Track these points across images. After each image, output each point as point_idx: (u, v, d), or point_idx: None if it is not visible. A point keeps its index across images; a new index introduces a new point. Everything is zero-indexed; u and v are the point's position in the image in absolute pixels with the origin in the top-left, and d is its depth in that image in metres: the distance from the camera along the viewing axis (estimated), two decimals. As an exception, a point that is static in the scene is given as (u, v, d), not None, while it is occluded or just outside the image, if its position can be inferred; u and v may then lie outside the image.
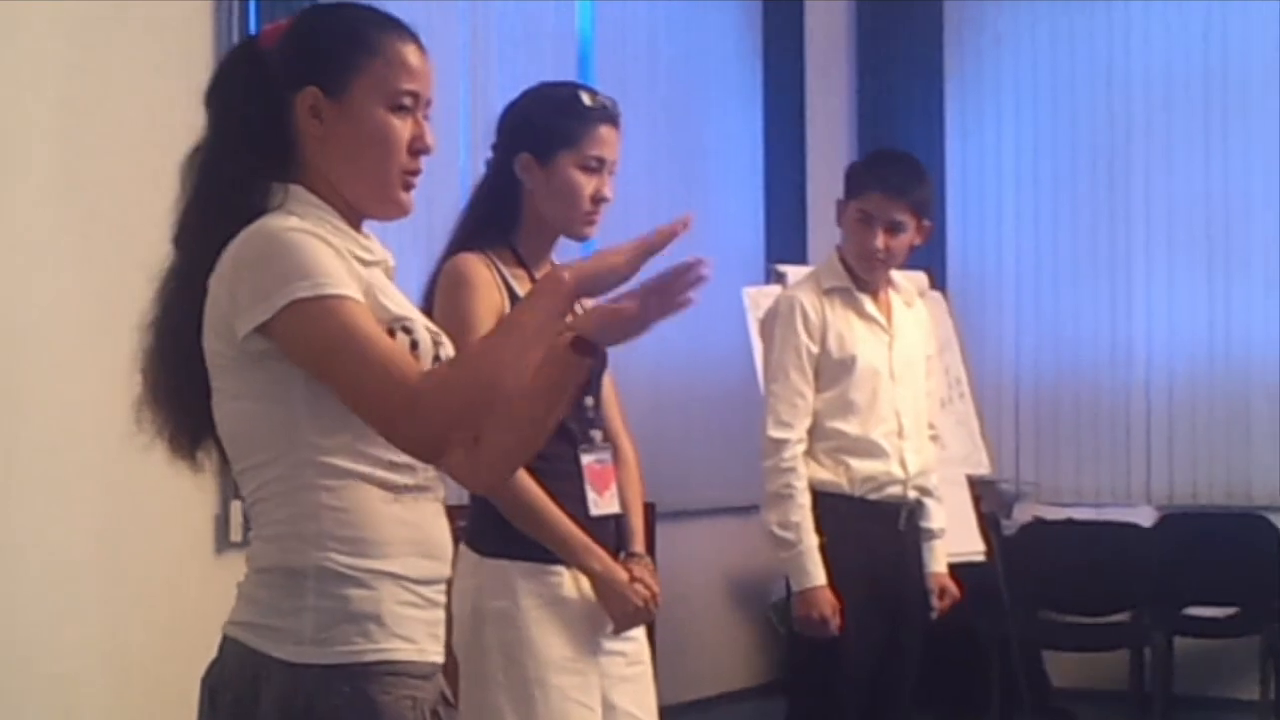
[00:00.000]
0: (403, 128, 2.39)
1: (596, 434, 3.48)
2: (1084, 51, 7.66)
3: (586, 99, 3.45)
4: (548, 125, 3.44)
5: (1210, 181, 7.40)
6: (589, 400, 3.46)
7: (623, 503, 3.52)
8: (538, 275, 3.42)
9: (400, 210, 2.43)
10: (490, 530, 3.36)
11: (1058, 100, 7.73)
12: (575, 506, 3.38)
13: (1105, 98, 7.62)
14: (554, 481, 3.36)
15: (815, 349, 4.58)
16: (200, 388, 2.35)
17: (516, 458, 2.67)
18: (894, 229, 4.58)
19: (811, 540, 4.51)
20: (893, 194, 4.58)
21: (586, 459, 3.44)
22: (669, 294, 2.39)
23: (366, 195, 2.41)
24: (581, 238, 3.49)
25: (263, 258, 2.26)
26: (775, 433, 4.57)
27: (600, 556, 3.38)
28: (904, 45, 7.87)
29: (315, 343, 2.23)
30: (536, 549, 3.34)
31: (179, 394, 2.39)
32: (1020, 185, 7.78)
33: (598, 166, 3.44)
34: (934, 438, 4.86)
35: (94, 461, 4.41)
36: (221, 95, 2.42)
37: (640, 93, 6.68)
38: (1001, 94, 7.84)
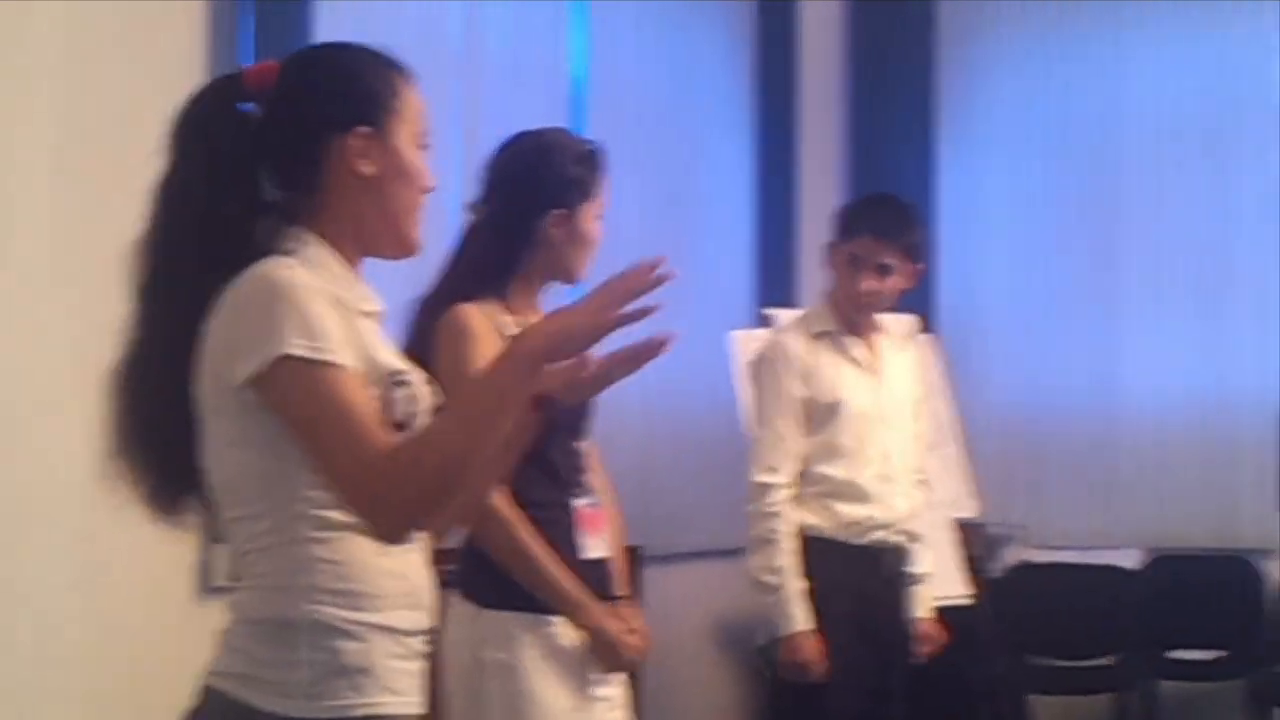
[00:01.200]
0: (424, 167, 2.44)
1: (587, 479, 3.50)
2: (1076, 95, 7.69)
3: (597, 148, 3.52)
4: (575, 178, 3.48)
5: (1201, 225, 7.43)
6: (580, 445, 3.49)
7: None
8: (531, 322, 3.45)
9: (415, 250, 2.46)
10: (487, 580, 3.38)
11: (1050, 144, 7.75)
12: (566, 552, 3.39)
13: (1098, 141, 7.64)
14: (546, 529, 3.38)
15: (802, 393, 4.60)
16: (185, 438, 2.34)
17: (455, 512, 2.66)
18: (883, 272, 4.61)
19: (796, 585, 4.52)
20: (883, 237, 4.60)
21: (579, 503, 3.46)
22: (635, 361, 2.38)
23: (389, 236, 2.43)
24: (581, 281, 3.54)
25: (265, 306, 2.25)
26: (760, 477, 4.59)
27: (591, 612, 3.39)
28: (896, 89, 7.89)
29: (299, 406, 2.23)
30: (535, 600, 3.36)
31: (159, 447, 2.37)
32: (1012, 229, 7.80)
33: (602, 214, 3.51)
34: (922, 482, 4.87)
35: (70, 505, 4.38)
36: (203, 129, 2.39)
37: (631, 135, 6.70)
38: (993, 138, 7.86)
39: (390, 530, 2.25)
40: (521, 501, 3.36)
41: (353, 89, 2.41)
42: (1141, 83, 7.57)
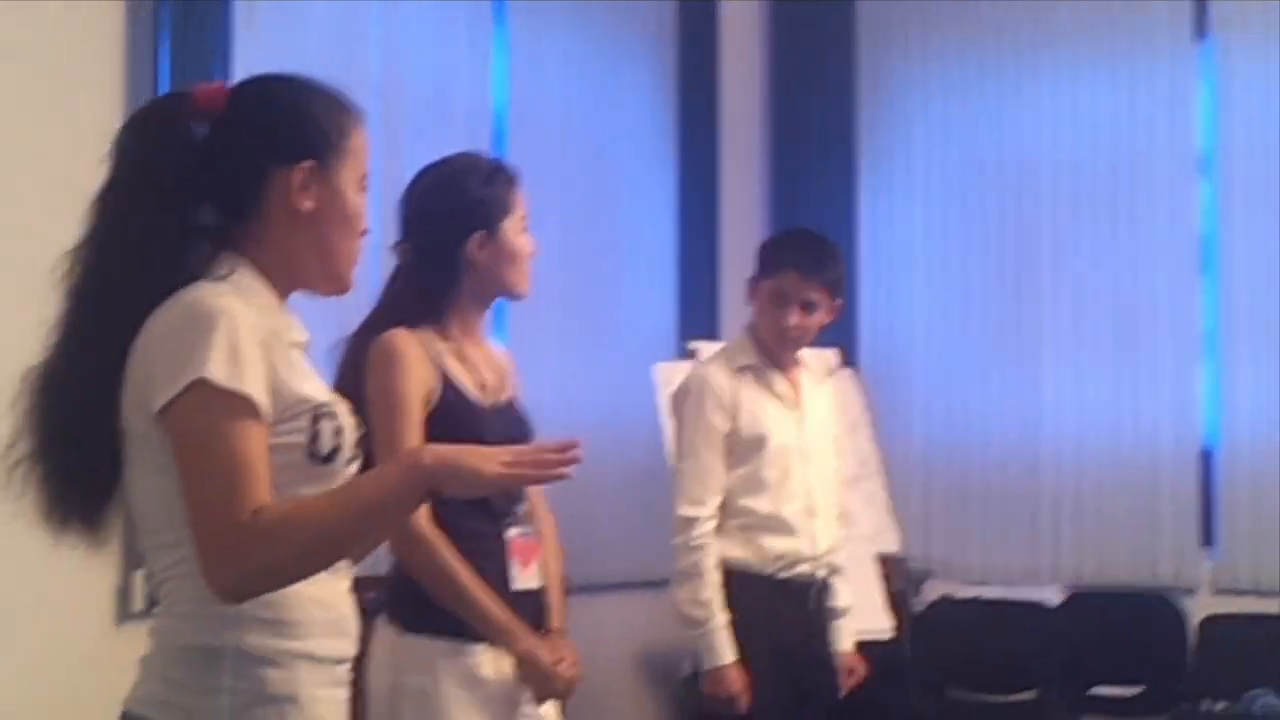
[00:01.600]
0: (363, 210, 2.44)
1: (520, 508, 3.47)
2: (993, 135, 7.75)
3: (509, 170, 3.54)
4: (486, 199, 3.48)
5: (1119, 263, 7.48)
6: None
7: (543, 578, 3.52)
8: (465, 349, 3.44)
9: (348, 289, 2.46)
10: (410, 605, 3.35)
11: (967, 182, 7.80)
12: (497, 583, 3.37)
13: (1014, 181, 7.70)
14: (478, 560, 3.35)
15: (726, 427, 4.60)
16: (104, 457, 2.31)
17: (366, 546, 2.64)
18: (807, 308, 4.62)
19: (721, 618, 4.51)
20: (807, 273, 4.61)
21: (511, 533, 3.42)
22: (542, 469, 2.35)
23: (323, 272, 2.42)
24: (523, 295, 3.54)
25: (191, 333, 2.22)
26: (685, 510, 4.57)
27: (522, 637, 3.36)
28: (817, 125, 7.93)
29: (194, 433, 2.20)
30: (457, 626, 3.33)
31: (77, 462, 2.33)
32: (931, 265, 7.84)
33: (526, 225, 3.51)
34: (841, 516, 4.88)
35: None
36: (149, 144, 2.37)
37: (554, 169, 6.70)
38: (913, 175, 7.90)
39: (223, 588, 2.20)
40: (453, 532, 3.33)
41: (302, 124, 2.40)
42: (1058, 122, 7.63)
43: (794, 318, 4.61)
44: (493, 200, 3.49)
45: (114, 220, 2.33)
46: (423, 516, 3.28)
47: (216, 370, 2.19)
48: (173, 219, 2.33)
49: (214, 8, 5.12)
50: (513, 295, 3.54)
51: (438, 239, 3.49)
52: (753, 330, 4.75)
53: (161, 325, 2.25)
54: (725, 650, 4.51)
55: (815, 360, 4.97)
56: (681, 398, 4.71)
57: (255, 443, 2.22)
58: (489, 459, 2.26)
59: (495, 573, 3.37)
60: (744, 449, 4.61)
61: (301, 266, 2.40)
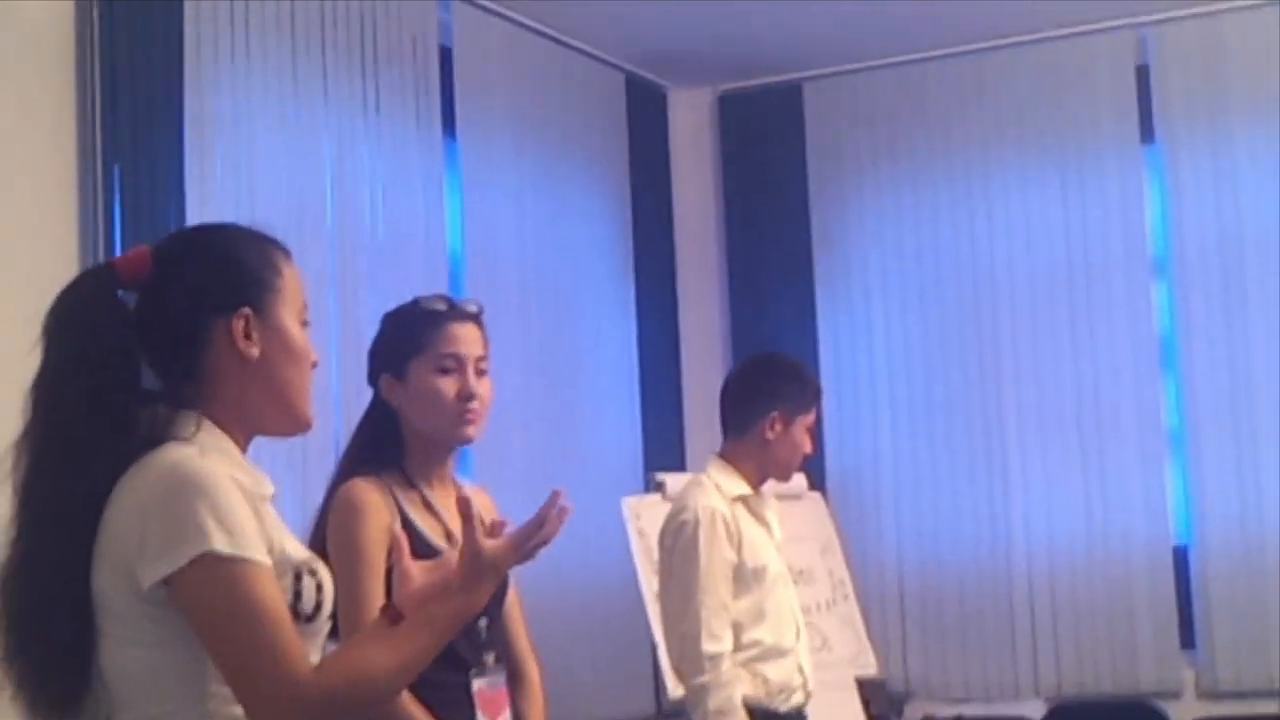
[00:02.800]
0: (307, 342, 2.40)
1: (489, 657, 3.38)
2: (948, 245, 7.77)
3: (430, 304, 3.44)
4: (397, 340, 3.43)
5: (1078, 367, 7.48)
6: (482, 622, 3.35)
7: None
8: (430, 496, 3.37)
9: (308, 426, 2.42)
10: None
11: (925, 295, 7.81)
12: None
13: (971, 289, 7.71)
14: (445, 710, 3.27)
15: (734, 559, 4.55)
16: (82, 642, 2.25)
17: None
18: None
19: None
20: (818, 400, 4.74)
21: (477, 684, 3.34)
22: (545, 531, 2.44)
23: (281, 413, 2.39)
24: (462, 440, 3.44)
25: (178, 502, 2.19)
26: (710, 646, 4.45)
27: None
28: (773, 249, 7.96)
29: (217, 610, 2.17)
30: None
31: (53, 652, 2.27)
32: (894, 383, 7.83)
33: (455, 365, 3.39)
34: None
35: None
36: (78, 324, 2.33)
37: (513, 308, 6.69)
38: (870, 292, 7.91)
39: None
40: (418, 683, 3.26)
41: (231, 271, 2.37)
42: (1011, 229, 7.66)
43: (810, 445, 4.71)
44: (402, 340, 3.42)
45: (55, 406, 2.29)
46: None
47: (219, 542, 2.16)
48: (116, 388, 2.29)
49: (165, 153, 5.12)
50: (451, 440, 3.42)
51: (370, 381, 3.46)
52: (735, 459, 4.71)
53: (140, 496, 2.21)
54: None
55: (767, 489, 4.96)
56: (680, 530, 4.59)
57: (276, 597, 2.21)
58: (507, 554, 2.36)
59: None
60: (746, 580, 4.56)
61: (257, 413, 2.37)
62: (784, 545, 4.79)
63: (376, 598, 3.15)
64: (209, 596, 2.16)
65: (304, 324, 2.42)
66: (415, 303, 3.47)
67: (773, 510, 4.78)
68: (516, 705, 3.44)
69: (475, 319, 3.48)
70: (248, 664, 2.16)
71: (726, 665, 4.44)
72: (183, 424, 2.30)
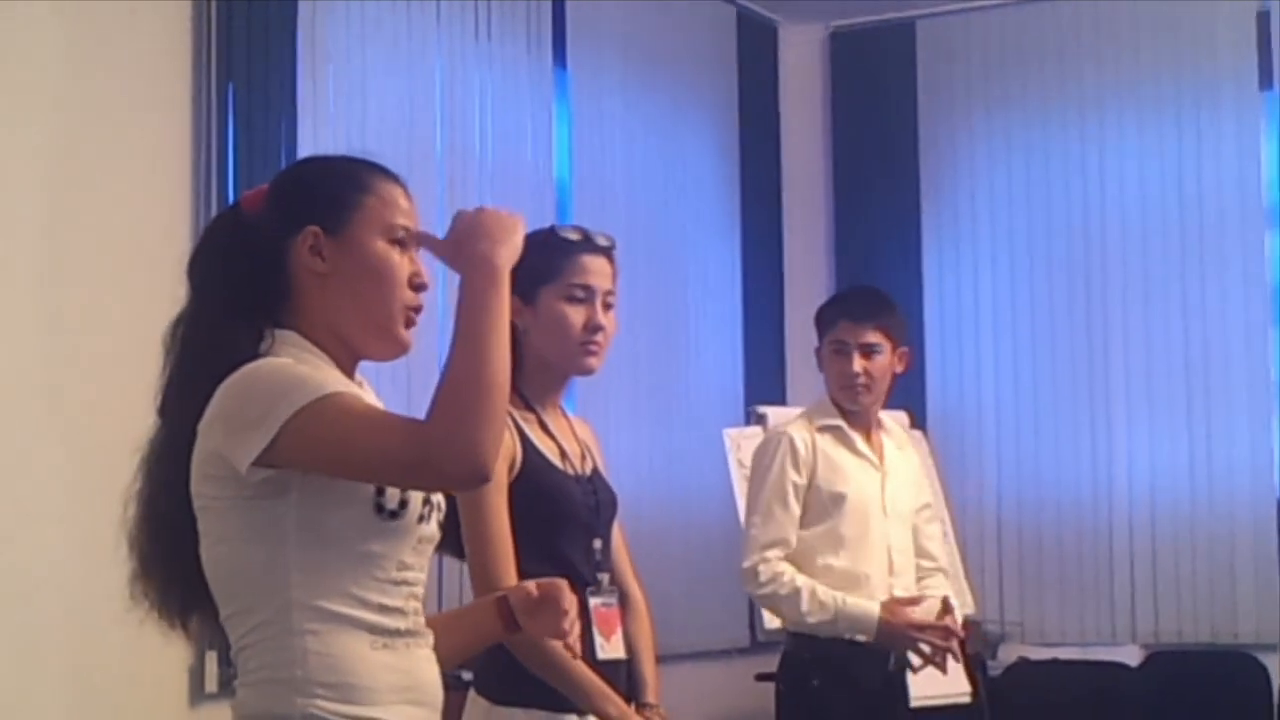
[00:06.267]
0: (402, 261, 2.40)
1: (604, 577, 3.42)
2: (1058, 190, 7.71)
3: (564, 233, 3.45)
4: (529, 265, 3.42)
5: (1188, 317, 7.42)
6: (596, 543, 3.41)
7: (633, 651, 3.46)
8: (546, 419, 3.40)
9: (402, 347, 2.44)
10: (500, 676, 3.30)
11: (1033, 240, 7.76)
12: (584, 652, 3.32)
13: (1081, 237, 7.65)
14: None
15: (804, 482, 4.61)
16: (191, 555, 2.33)
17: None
18: (869, 352, 4.66)
19: (834, 597, 4.51)
20: (858, 318, 4.69)
21: (594, 601, 3.37)
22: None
23: (368, 332, 2.41)
24: (584, 370, 3.45)
25: (250, 389, 2.25)
26: (747, 561, 4.60)
27: (617, 703, 3.30)
28: (880, 189, 7.92)
29: (323, 439, 2.21)
30: (548, 696, 3.27)
31: (168, 564, 2.36)
32: (999, 326, 7.79)
33: (584, 296, 3.41)
34: (942, 570, 4.87)
35: (61, 612, 4.35)
36: (204, 263, 2.44)
37: (618, 238, 6.64)
38: (978, 236, 7.87)
39: (464, 463, 2.18)
40: None
41: (309, 192, 2.43)
42: (1124, 175, 7.59)
43: (856, 364, 4.64)
44: (534, 266, 3.41)
45: (193, 335, 2.39)
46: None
47: (299, 400, 2.21)
48: (223, 324, 2.37)
49: (279, 75, 5.17)
50: (572, 369, 3.43)
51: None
52: (831, 396, 4.79)
53: (221, 396, 2.28)
54: (867, 610, 4.49)
55: (897, 426, 4.96)
56: (761, 455, 4.74)
57: (370, 404, 2.28)
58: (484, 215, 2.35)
59: (581, 642, 3.34)
60: (822, 505, 4.63)
61: (345, 327, 2.40)
62: (904, 483, 4.79)
63: (499, 510, 3.19)
64: (314, 438, 2.21)
65: (396, 242, 2.42)
66: (551, 230, 3.47)
67: (896, 446, 4.81)
68: (626, 628, 3.47)
69: (607, 253, 3.50)
70: (380, 452, 2.19)
71: (768, 566, 4.58)
72: (263, 338, 2.36)
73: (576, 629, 2.64)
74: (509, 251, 2.32)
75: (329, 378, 2.29)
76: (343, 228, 2.39)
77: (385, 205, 2.42)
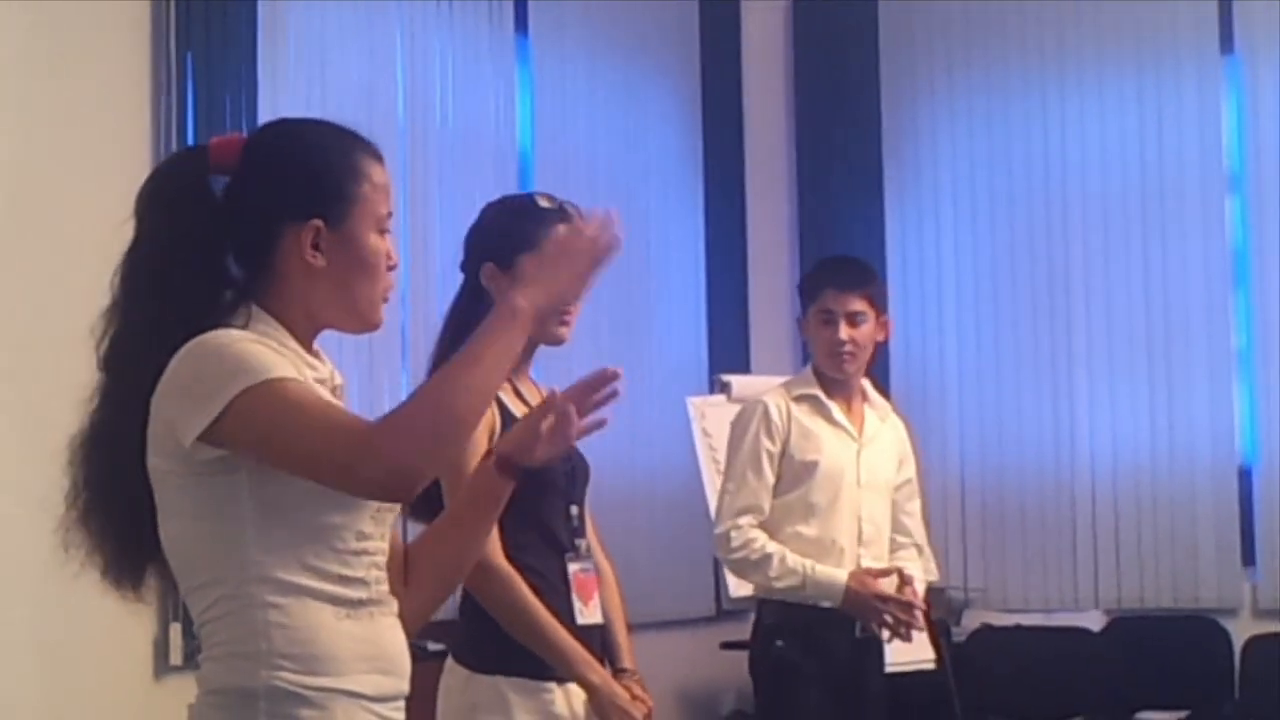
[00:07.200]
0: (385, 248, 2.39)
1: (582, 543, 3.46)
2: (1020, 153, 7.72)
3: (542, 201, 3.45)
4: (506, 231, 3.43)
5: (1149, 282, 7.44)
6: (574, 510, 3.45)
7: (607, 618, 3.49)
8: (519, 386, 3.40)
9: (377, 327, 2.43)
10: (481, 644, 3.32)
11: (995, 205, 7.77)
12: (563, 617, 3.34)
13: (1043, 202, 7.66)
14: (543, 595, 3.32)
15: (776, 449, 4.64)
16: (143, 513, 2.29)
17: (445, 590, 2.62)
18: (854, 320, 4.69)
19: (803, 564, 4.53)
20: (844, 286, 4.71)
21: (572, 568, 3.41)
22: (587, 402, 2.46)
23: (348, 316, 2.39)
24: (556, 340, 3.46)
25: (206, 362, 2.22)
26: (719, 527, 4.65)
27: (600, 670, 3.35)
28: (843, 155, 7.91)
29: (262, 424, 2.18)
30: (529, 664, 3.30)
31: (118, 520, 2.32)
32: (961, 291, 7.80)
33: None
34: (916, 545, 4.88)
35: (24, 583, 4.32)
36: (169, 204, 2.36)
37: (581, 206, 6.65)
38: (940, 197, 7.88)
39: (387, 482, 2.16)
40: (518, 565, 3.31)
41: (310, 178, 2.36)
42: (1085, 139, 7.60)
43: (843, 332, 4.66)
44: (512, 233, 3.41)
45: (142, 280, 2.33)
46: (496, 551, 3.26)
47: (246, 380, 2.18)
48: (198, 274, 2.32)
49: (238, 42, 5.13)
50: (545, 338, 3.43)
51: (465, 270, 3.47)
52: (813, 366, 4.81)
53: (174, 369, 2.24)
54: (834, 577, 4.54)
55: (880, 398, 4.97)
56: (736, 423, 4.77)
57: (317, 394, 2.23)
58: (557, 279, 2.34)
59: (560, 607, 3.35)
60: (794, 473, 4.66)
61: (322, 313, 2.38)
62: (883, 455, 4.80)
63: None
64: (254, 422, 2.18)
65: (383, 232, 2.40)
66: (530, 197, 3.48)
67: (879, 418, 4.82)
68: (600, 594, 3.49)
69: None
70: (311, 447, 2.17)
71: (739, 533, 4.62)
72: (238, 315, 2.32)
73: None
74: (548, 293, 2.33)
75: (280, 361, 2.24)
76: (343, 222, 2.36)
77: (378, 193, 2.39)
